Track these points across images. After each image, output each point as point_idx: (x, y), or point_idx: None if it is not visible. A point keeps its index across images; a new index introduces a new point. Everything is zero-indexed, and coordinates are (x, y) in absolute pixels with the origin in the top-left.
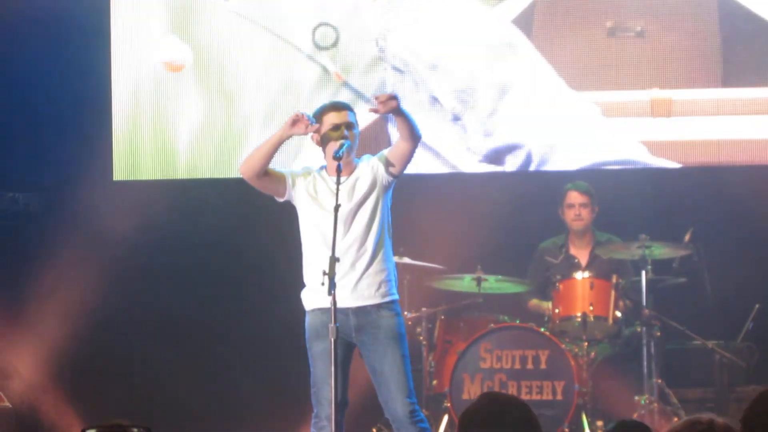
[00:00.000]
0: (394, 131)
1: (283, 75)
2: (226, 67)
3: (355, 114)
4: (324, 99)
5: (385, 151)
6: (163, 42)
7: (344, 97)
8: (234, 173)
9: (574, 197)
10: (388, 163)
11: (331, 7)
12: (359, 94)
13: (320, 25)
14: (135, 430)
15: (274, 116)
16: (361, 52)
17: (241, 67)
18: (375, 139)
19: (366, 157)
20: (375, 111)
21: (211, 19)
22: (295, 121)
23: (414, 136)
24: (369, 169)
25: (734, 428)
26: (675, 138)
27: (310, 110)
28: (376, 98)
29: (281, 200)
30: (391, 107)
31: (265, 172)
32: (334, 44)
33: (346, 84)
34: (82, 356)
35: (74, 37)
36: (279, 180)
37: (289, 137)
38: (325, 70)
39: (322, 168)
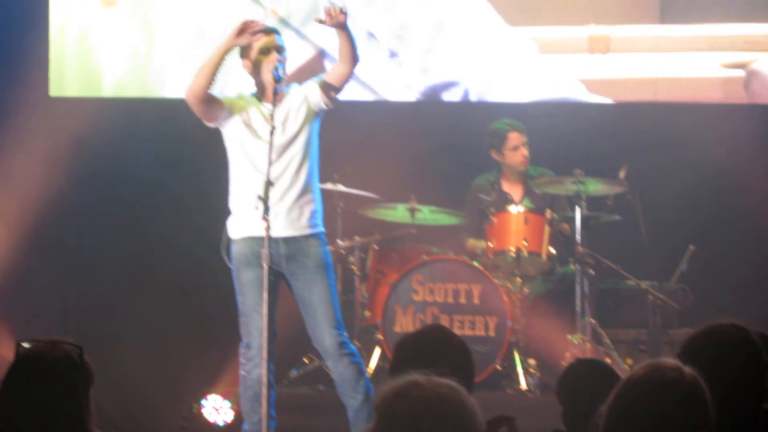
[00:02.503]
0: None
1: (210, 8)
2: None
3: (282, 38)
4: None
5: (322, 76)
6: None
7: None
8: (161, 93)
9: (517, 138)
10: (325, 88)
11: None
12: (294, 30)
13: None
14: (68, 346)
15: (200, 46)
16: None
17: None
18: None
19: (295, 85)
20: (321, 22)
21: None
22: (242, 30)
23: (354, 58)
24: (302, 97)
25: (700, 379)
26: (612, 75)
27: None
28: (327, 10)
29: (212, 125)
30: (339, 21)
31: (209, 95)
32: None
33: (281, 21)
34: (13, 273)
35: None
36: (218, 104)
37: (232, 49)
38: (256, 2)
39: (252, 94)
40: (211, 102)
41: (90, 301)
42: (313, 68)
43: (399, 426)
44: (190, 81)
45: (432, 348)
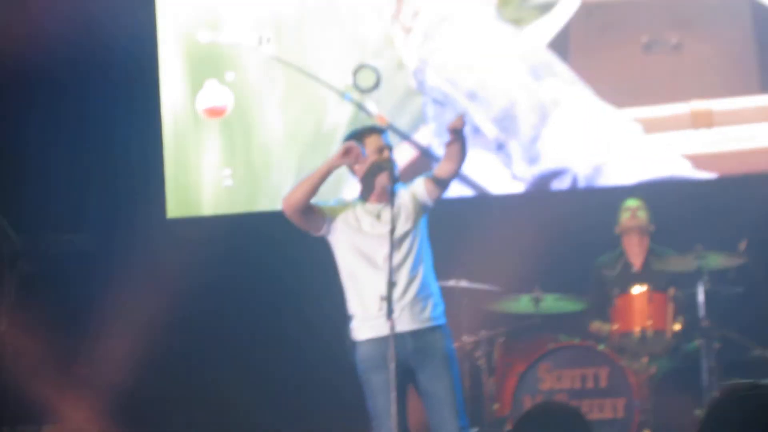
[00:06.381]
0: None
1: (318, 119)
2: (264, 114)
3: (389, 137)
4: None
5: (429, 174)
6: (204, 89)
7: None
8: (269, 207)
9: (629, 203)
10: (431, 184)
11: (365, 44)
12: (401, 134)
13: (361, 67)
14: None
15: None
16: (400, 90)
17: (279, 112)
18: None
19: (401, 185)
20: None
21: (248, 64)
22: (348, 150)
23: (463, 157)
24: (409, 195)
25: None
26: (718, 149)
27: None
28: (452, 126)
29: (317, 235)
30: (458, 127)
31: (308, 207)
32: (376, 85)
33: (390, 126)
34: (137, 401)
35: (122, 75)
36: (318, 214)
37: (337, 167)
38: (360, 110)
39: (360, 198)
40: (310, 212)
41: (215, 423)
42: (417, 169)
43: None
44: (289, 194)
45: (547, 421)
